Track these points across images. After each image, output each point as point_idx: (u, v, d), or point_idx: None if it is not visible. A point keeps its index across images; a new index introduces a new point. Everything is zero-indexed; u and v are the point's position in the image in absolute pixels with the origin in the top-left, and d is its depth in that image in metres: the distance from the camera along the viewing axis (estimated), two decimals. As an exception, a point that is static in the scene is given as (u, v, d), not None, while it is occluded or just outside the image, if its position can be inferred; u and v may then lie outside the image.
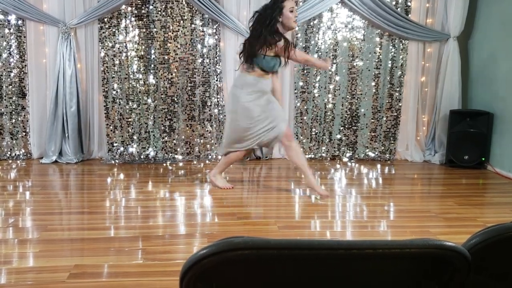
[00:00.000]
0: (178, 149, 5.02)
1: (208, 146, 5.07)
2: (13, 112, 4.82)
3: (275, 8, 3.52)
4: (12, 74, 4.77)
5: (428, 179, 4.67)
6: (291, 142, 3.69)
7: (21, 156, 4.87)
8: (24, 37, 4.75)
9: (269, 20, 3.51)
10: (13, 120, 4.83)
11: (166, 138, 5.00)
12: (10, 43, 4.73)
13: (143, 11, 4.82)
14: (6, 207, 3.34)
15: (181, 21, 4.87)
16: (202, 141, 5.06)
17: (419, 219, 3.31)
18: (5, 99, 4.78)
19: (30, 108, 4.84)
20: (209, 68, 4.96)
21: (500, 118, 4.69)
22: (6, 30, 4.70)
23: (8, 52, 4.73)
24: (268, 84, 3.68)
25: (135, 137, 4.95)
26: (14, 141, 4.86)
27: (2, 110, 4.79)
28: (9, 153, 4.85)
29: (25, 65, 4.79)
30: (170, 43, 4.89)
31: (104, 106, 4.92)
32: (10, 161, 4.79)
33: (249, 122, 3.60)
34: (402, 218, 3.35)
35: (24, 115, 4.85)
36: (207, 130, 5.05)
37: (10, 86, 4.78)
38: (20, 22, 4.72)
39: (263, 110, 3.60)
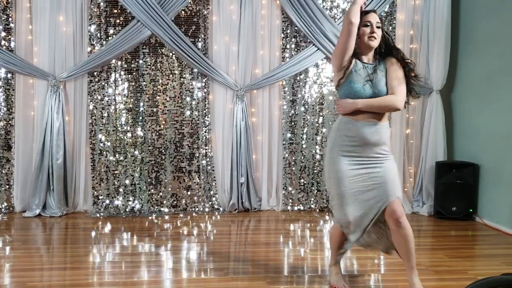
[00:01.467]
0: (165, 202, 4.95)
1: (195, 198, 5.01)
2: (-2, 165, 4.76)
3: None
4: (-2, 127, 4.75)
5: (417, 231, 4.63)
6: None
7: (3, 209, 4.75)
8: (13, 90, 4.77)
9: None
10: (-3, 173, 4.76)
11: (152, 190, 4.94)
12: (-3, 96, 4.74)
13: (132, 65, 4.90)
14: (-16, 263, 3.22)
15: (171, 75, 4.96)
16: (189, 193, 5.01)
17: (410, 272, 3.25)
18: (-10, 152, 4.73)
19: (15, 161, 4.78)
20: (198, 120, 5.00)
21: (486, 169, 4.75)
22: (-5, 83, 4.73)
23: (-4, 104, 4.74)
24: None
25: (121, 190, 4.88)
26: (-3, 194, 4.76)
27: (-14, 162, 4.73)
28: (-9, 206, 4.74)
29: (12, 118, 4.78)
30: (159, 96, 4.95)
31: (91, 158, 4.88)
32: (-8, 214, 4.67)
33: None
34: (393, 271, 3.29)
35: (9, 168, 4.79)
36: (195, 182, 5.02)
37: (-4, 139, 4.74)
38: (9, 75, 4.75)
39: None
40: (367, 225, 2.77)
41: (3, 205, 4.76)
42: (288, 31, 5.08)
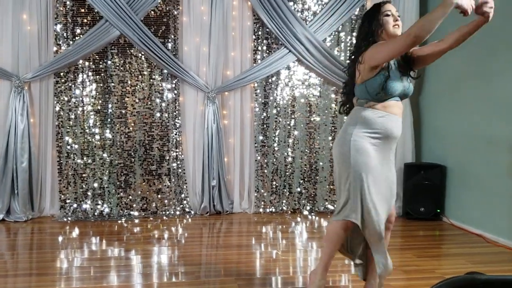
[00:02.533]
0: (134, 205, 4.86)
1: (166, 201, 4.95)
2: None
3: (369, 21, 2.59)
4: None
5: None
6: None
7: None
8: (-26, 90, 4.60)
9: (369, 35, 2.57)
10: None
11: (121, 193, 4.85)
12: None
13: (101, 65, 4.80)
14: None
15: (140, 76, 4.88)
16: (159, 196, 4.94)
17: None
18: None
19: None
20: (168, 122, 4.94)
21: (452, 170, 4.87)
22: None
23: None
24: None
25: (89, 193, 4.77)
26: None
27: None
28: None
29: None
30: (128, 97, 4.86)
31: (58, 161, 4.75)
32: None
33: None
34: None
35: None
36: (165, 185, 4.95)
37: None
38: (-29, 75, 4.58)
39: None
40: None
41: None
42: (260, 32, 5.08)
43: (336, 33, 5.21)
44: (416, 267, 3.43)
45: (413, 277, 3.21)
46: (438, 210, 4.93)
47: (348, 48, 5.25)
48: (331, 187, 5.25)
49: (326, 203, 5.24)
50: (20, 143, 4.55)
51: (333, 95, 5.26)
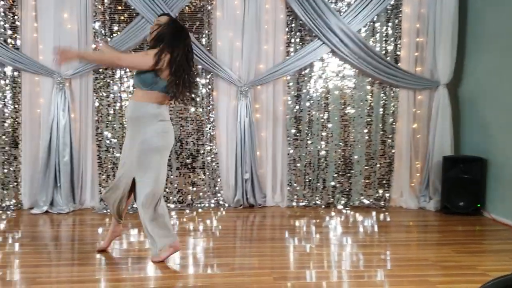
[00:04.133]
0: (171, 198, 4.97)
1: (201, 194, 5.03)
2: (5, 162, 4.78)
3: None
4: (6, 124, 4.77)
5: (424, 226, 4.61)
6: None
7: (11, 206, 4.78)
8: (19, 87, 4.79)
9: None
10: (5, 170, 4.78)
11: (159, 186, 4.95)
12: (5, 94, 4.76)
13: (138, 62, 4.90)
14: (-7, 260, 3.25)
15: (175, 71, 4.94)
16: (195, 189, 5.03)
17: (416, 267, 3.25)
18: (-3, 149, 4.76)
19: (22, 158, 4.81)
20: (202, 117, 5.00)
21: (493, 163, 4.71)
22: (2, 82, 4.75)
23: (3, 102, 4.76)
24: None
25: (127, 186, 4.90)
26: (5, 192, 4.79)
27: (-6, 160, 4.76)
28: (0, 203, 4.78)
29: (19, 115, 4.80)
30: (164, 92, 4.94)
31: (97, 155, 4.90)
32: (1, 211, 4.70)
33: None
34: (400, 267, 3.28)
35: (16, 165, 4.81)
36: (200, 178, 5.03)
37: (4, 136, 4.77)
38: (16, 73, 4.77)
39: None
40: None
41: (11, 202, 4.80)
42: (293, 25, 5.06)
43: (371, 23, 5.12)
44: (455, 263, 3.35)
45: (452, 273, 3.15)
46: (479, 205, 4.79)
47: (384, 39, 5.15)
48: (367, 181, 5.19)
49: (362, 197, 5.18)
50: (62, 137, 4.72)
51: (368, 87, 5.18)
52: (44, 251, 3.53)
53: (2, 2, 4.70)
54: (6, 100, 4.76)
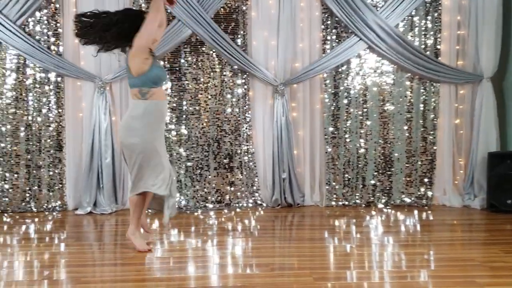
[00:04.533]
0: (209, 198, 5.02)
1: (238, 194, 5.05)
2: (51, 165, 4.96)
3: None
4: (50, 128, 4.96)
5: (469, 225, 4.46)
6: None
7: (57, 207, 4.96)
8: (63, 92, 4.96)
9: None
10: (51, 173, 4.96)
11: (197, 186, 5.02)
12: (49, 99, 4.94)
13: (175, 64, 4.98)
14: (41, 259, 3.38)
15: (211, 73, 5.00)
16: (232, 189, 5.06)
17: (462, 268, 3.13)
18: (43, 153, 4.94)
19: (66, 161, 4.98)
20: (239, 117, 5.02)
21: (542, 159, 4.50)
22: (46, 87, 4.93)
23: (47, 107, 4.94)
24: None
25: (167, 187, 4.98)
26: (50, 193, 4.97)
27: (40, 163, 4.95)
28: (46, 205, 4.96)
29: (63, 119, 4.97)
30: (201, 94, 5.01)
31: (138, 156, 5.00)
32: (47, 212, 4.88)
33: None
34: (444, 267, 3.18)
35: (61, 167, 4.99)
36: (238, 178, 5.05)
37: (49, 140, 4.95)
38: (59, 79, 4.94)
39: None
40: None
41: (56, 203, 4.98)
42: (329, 22, 5.00)
43: (409, 17, 5.00)
44: (504, 263, 3.21)
45: (501, 275, 3.01)
46: (528, 203, 4.58)
47: (423, 33, 5.02)
48: (408, 179, 5.07)
49: (403, 196, 5.07)
50: (103, 140, 4.86)
51: (407, 82, 5.06)
52: (89, 251, 3.64)
53: (45, 11, 4.88)
54: (50, 105, 4.94)
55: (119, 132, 3.49)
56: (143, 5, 4.89)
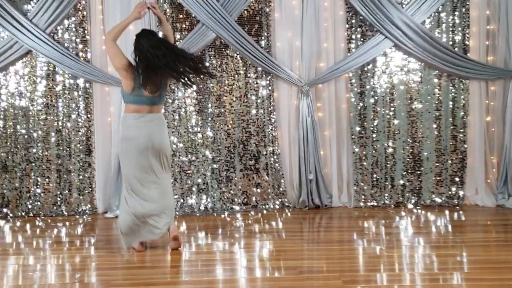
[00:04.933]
0: (235, 199, 5.03)
1: (265, 195, 5.04)
2: (80, 169, 5.06)
3: None
4: (80, 133, 5.06)
5: (503, 225, 4.33)
6: None
7: (87, 211, 5.06)
8: (91, 98, 5.06)
9: None
10: (80, 177, 5.06)
11: (223, 188, 5.04)
12: (78, 105, 5.04)
13: (200, 67, 5.01)
14: (73, 262, 3.45)
15: (236, 75, 5.01)
16: (259, 190, 5.05)
17: (497, 270, 3.04)
18: (73, 157, 5.05)
19: (96, 165, 5.07)
20: (264, 118, 5.02)
21: None
22: (75, 93, 5.04)
23: (77, 113, 5.04)
24: None
25: (194, 189, 5.02)
26: (81, 197, 5.07)
27: (71, 167, 5.05)
28: (76, 208, 5.06)
29: (92, 124, 5.07)
30: (226, 96, 5.03)
31: (165, 159, 5.05)
32: (77, 216, 4.98)
33: None
34: (478, 269, 3.09)
35: (91, 172, 5.08)
36: (264, 179, 5.04)
37: (78, 145, 5.05)
38: (87, 84, 5.04)
39: None
40: None
41: (87, 207, 5.07)
42: (353, 21, 4.95)
43: (436, 14, 4.89)
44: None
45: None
46: None
47: (451, 29, 4.91)
48: (438, 178, 4.97)
49: (433, 195, 4.96)
50: (131, 144, 4.92)
51: (435, 80, 4.96)
52: (118, 254, 3.69)
53: (73, 18, 4.98)
54: (79, 110, 5.05)
55: (166, 140, 3.70)
56: (167, 10, 4.93)
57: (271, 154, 5.03)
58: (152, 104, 3.58)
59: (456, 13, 4.89)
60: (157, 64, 3.40)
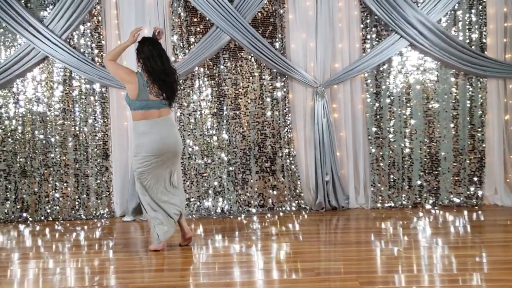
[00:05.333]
0: (252, 202, 5.03)
1: (281, 198, 5.03)
2: (98, 173, 5.12)
3: None
4: (97, 138, 5.11)
5: (524, 225, 4.26)
6: None
7: (105, 214, 5.11)
8: (107, 102, 5.11)
9: None
10: (98, 181, 5.12)
11: (239, 191, 5.04)
12: (95, 109, 5.10)
13: (214, 70, 5.04)
14: (92, 266, 3.48)
15: (250, 77, 5.02)
16: (275, 192, 5.04)
17: (518, 271, 2.99)
18: (90, 161, 5.11)
19: (113, 169, 5.12)
20: (279, 120, 5.01)
21: None
22: (92, 98, 5.10)
23: (93, 117, 5.10)
24: None
25: (210, 191, 5.04)
26: (98, 201, 5.13)
27: (88, 172, 5.11)
28: (94, 212, 5.11)
29: (108, 129, 5.12)
30: (241, 99, 5.04)
31: (181, 163, 5.08)
32: (95, 220, 5.04)
33: None
34: (498, 270, 3.04)
35: (108, 176, 5.14)
36: (280, 181, 5.03)
37: (95, 149, 5.11)
38: (103, 89, 5.10)
39: None
40: None
41: (104, 211, 5.13)
42: (368, 21, 4.92)
43: (452, 12, 4.84)
44: None
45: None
46: None
47: (467, 27, 4.85)
48: (456, 178, 4.90)
49: (451, 196, 4.90)
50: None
51: (452, 79, 4.90)
52: (136, 257, 3.72)
53: (89, 24, 5.05)
54: (96, 114, 5.11)
55: (179, 141, 3.82)
56: (181, 13, 4.97)
57: (287, 156, 5.03)
58: (160, 108, 3.69)
59: (473, 10, 4.83)
60: (154, 73, 3.64)
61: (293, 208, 4.99)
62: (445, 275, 3.00)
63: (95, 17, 5.07)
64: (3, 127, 5.11)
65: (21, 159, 5.12)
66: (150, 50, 3.66)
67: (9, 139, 5.11)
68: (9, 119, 5.12)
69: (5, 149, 5.10)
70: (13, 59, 4.98)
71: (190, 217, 4.92)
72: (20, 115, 5.13)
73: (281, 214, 4.90)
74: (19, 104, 5.13)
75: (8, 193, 5.10)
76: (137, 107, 3.67)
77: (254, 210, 4.99)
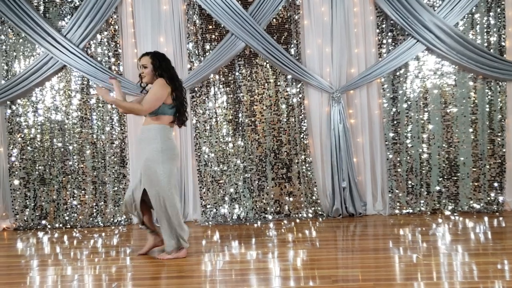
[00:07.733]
0: (268, 208, 5.01)
1: (297, 204, 5.00)
2: (115, 181, 5.16)
3: None
4: (114, 145, 5.16)
5: (547, 231, 4.15)
6: None
7: (122, 222, 5.15)
8: (124, 110, 5.16)
9: None
10: (115, 188, 5.16)
11: (255, 197, 5.03)
12: (112, 117, 5.16)
13: (229, 77, 5.05)
14: (109, 273, 3.50)
15: (266, 84, 5.02)
16: (291, 199, 5.02)
17: (542, 279, 2.91)
18: (108, 169, 5.16)
19: (130, 176, 5.16)
20: (295, 126, 5.00)
21: None
22: (109, 106, 5.15)
23: (111, 125, 5.16)
24: None
25: (226, 198, 5.03)
26: (116, 208, 5.17)
27: (106, 179, 5.16)
28: (111, 219, 5.15)
29: (125, 136, 5.17)
30: (256, 105, 5.04)
31: (197, 169, 5.10)
32: (113, 227, 5.07)
33: None
34: (521, 278, 2.97)
35: (125, 183, 5.18)
36: (296, 188, 5.01)
37: (113, 157, 5.16)
38: (120, 97, 5.14)
39: None
40: None
41: (122, 218, 5.16)
42: (384, 25, 4.89)
43: (470, 15, 4.78)
44: None
45: None
46: None
47: (485, 30, 4.78)
48: (476, 184, 4.82)
49: (471, 201, 4.82)
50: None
51: (471, 83, 4.84)
52: (153, 264, 3.72)
53: (106, 33, 5.12)
54: (113, 122, 5.16)
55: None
56: (197, 21, 5.00)
57: (303, 162, 5.00)
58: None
59: (491, 13, 4.77)
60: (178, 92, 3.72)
61: (310, 215, 4.95)
62: (466, 283, 2.93)
63: (111, 26, 5.14)
64: (22, 136, 5.20)
65: (40, 167, 5.20)
66: (172, 68, 3.76)
67: (28, 147, 5.20)
68: (28, 128, 5.20)
69: (24, 157, 5.19)
70: (32, 68, 5.08)
71: (207, 224, 4.92)
72: (39, 123, 5.21)
73: (298, 220, 4.87)
74: (38, 113, 5.21)
75: (27, 200, 5.18)
76: (170, 113, 3.71)
77: (270, 217, 4.97)
